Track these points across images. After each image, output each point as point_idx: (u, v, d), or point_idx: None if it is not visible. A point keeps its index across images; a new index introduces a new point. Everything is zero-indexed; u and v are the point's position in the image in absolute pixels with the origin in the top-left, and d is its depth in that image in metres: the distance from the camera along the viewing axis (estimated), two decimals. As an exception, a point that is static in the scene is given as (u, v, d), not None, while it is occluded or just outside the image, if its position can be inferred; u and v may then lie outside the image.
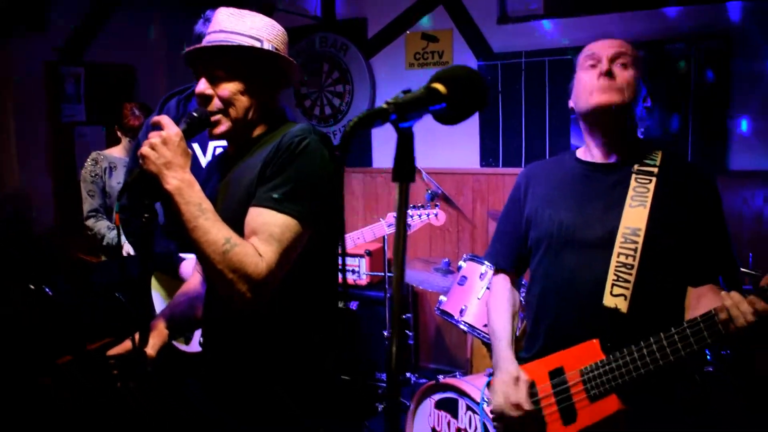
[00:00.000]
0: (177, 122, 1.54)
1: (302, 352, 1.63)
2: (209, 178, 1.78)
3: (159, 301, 2.95)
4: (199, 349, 2.36)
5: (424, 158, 4.57)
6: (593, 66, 1.73)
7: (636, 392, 1.57)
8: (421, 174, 3.49)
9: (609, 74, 1.69)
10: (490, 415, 1.82)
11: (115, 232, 3.63)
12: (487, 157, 4.43)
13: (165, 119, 1.51)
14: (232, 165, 1.69)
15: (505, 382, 1.73)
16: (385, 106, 0.88)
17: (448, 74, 0.97)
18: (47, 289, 3.21)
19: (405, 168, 0.90)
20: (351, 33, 4.84)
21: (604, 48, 1.75)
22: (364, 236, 3.44)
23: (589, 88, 1.72)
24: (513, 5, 4.26)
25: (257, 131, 1.68)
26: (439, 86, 0.95)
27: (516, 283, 2.01)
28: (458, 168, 4.54)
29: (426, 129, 4.22)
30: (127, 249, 3.54)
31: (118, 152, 3.86)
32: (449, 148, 4.52)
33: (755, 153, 3.67)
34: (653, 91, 1.79)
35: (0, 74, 4.24)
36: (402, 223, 0.90)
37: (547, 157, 3.58)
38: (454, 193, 4.50)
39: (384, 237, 3.62)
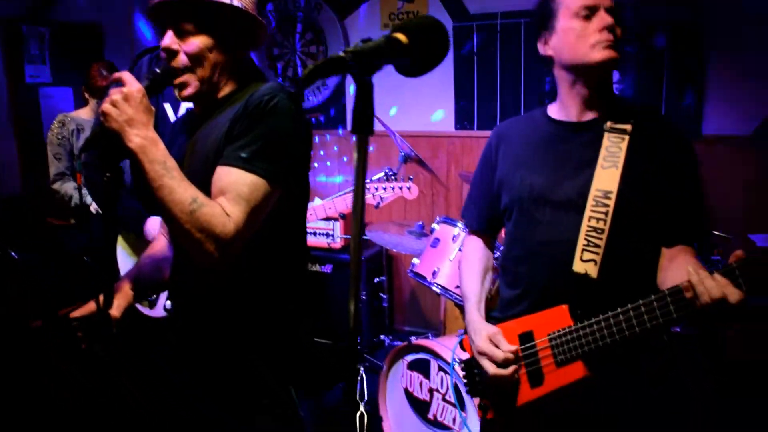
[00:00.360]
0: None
1: (274, 316, 1.63)
2: (175, 138, 1.74)
3: (125, 261, 2.91)
4: (164, 314, 2.35)
5: (398, 121, 4.54)
6: (588, 17, 1.62)
7: (602, 360, 1.56)
8: (396, 138, 3.45)
9: (612, 29, 1.60)
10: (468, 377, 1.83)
11: (83, 191, 3.56)
12: (462, 120, 4.40)
13: (126, 75, 1.46)
14: (199, 124, 1.65)
15: (486, 344, 1.70)
16: (342, 54, 0.84)
17: (410, 24, 0.94)
18: (12, 254, 3.14)
19: (364, 120, 0.88)
20: (324, -8, 4.73)
21: None
22: (336, 206, 3.38)
23: (591, 42, 1.61)
24: (489, -36, 4.19)
25: (225, 90, 1.63)
26: (401, 36, 0.91)
27: (490, 244, 1.99)
28: (433, 131, 4.51)
29: (400, 91, 4.20)
30: (95, 207, 3.48)
31: (85, 114, 3.77)
32: (424, 110, 4.48)
33: (728, 118, 3.69)
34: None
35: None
36: (361, 178, 0.88)
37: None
38: (428, 155, 4.48)
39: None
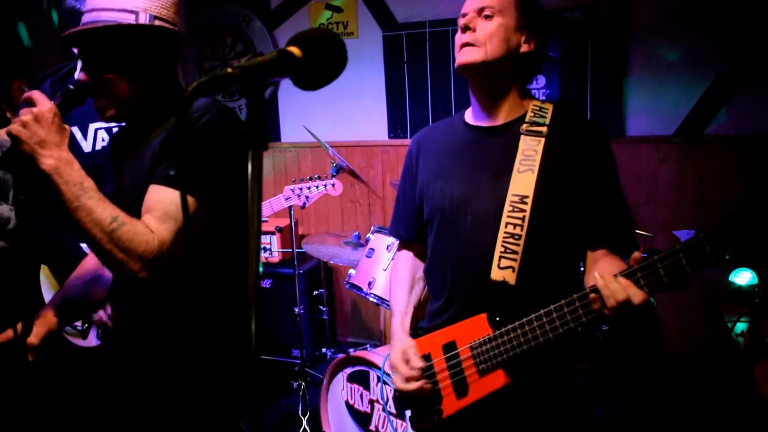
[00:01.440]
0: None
1: (211, 329, 1.60)
2: (107, 159, 1.71)
3: (48, 292, 2.78)
4: (98, 343, 2.26)
5: (333, 131, 4.52)
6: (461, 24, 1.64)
7: (520, 368, 1.56)
8: (327, 148, 3.44)
9: (466, 29, 1.60)
10: (393, 392, 1.82)
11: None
12: (395, 128, 4.42)
13: (36, 94, 1.41)
14: (131, 144, 1.61)
15: (398, 359, 1.72)
16: (230, 70, 0.82)
17: (304, 36, 0.92)
18: None
19: (257, 135, 0.85)
20: (253, 4, 4.68)
21: (471, 1, 1.65)
22: (273, 207, 3.40)
23: (456, 48, 1.64)
24: (415, -26, 4.23)
25: (152, 108, 1.58)
26: (294, 49, 0.89)
27: (421, 254, 1.95)
28: (367, 140, 4.51)
29: (333, 101, 4.19)
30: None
31: (5, 134, 3.62)
32: (358, 120, 4.48)
33: (650, 119, 3.82)
34: (544, 35, 1.67)
35: None
36: (256, 195, 0.85)
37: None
38: (364, 165, 4.47)
39: (290, 210, 3.55)
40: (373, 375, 2.87)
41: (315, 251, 3.51)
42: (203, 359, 1.60)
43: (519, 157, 1.62)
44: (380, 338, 3.83)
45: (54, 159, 1.36)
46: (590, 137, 1.63)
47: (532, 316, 1.50)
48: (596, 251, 1.61)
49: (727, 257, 1.29)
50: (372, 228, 3.22)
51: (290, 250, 3.92)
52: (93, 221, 1.35)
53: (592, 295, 1.40)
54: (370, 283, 3.02)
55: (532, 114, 1.66)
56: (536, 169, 1.58)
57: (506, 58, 1.61)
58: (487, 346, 1.57)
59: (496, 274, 1.57)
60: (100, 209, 1.36)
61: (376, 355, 2.81)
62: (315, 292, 4.24)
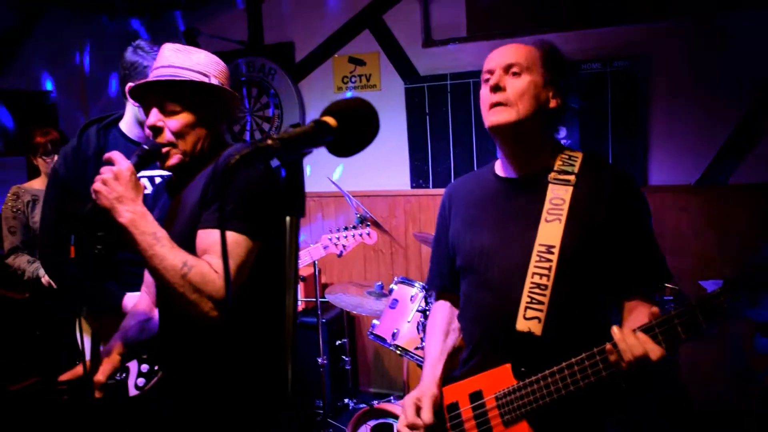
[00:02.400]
0: (101, 151, 1.54)
1: (255, 369, 1.69)
2: (157, 203, 1.85)
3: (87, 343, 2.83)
4: (136, 392, 2.30)
5: (356, 181, 4.58)
6: (487, 81, 1.67)
7: (544, 419, 1.55)
8: (351, 201, 3.49)
9: (497, 88, 1.63)
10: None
11: (36, 265, 3.49)
12: (418, 178, 4.47)
13: (116, 155, 1.56)
14: (176, 188, 1.76)
15: (411, 401, 1.72)
16: (270, 142, 0.86)
17: (338, 107, 0.96)
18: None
19: (295, 202, 0.89)
20: (278, 57, 4.82)
21: (497, 57, 1.68)
22: (301, 259, 3.43)
23: (484, 106, 1.67)
24: (437, 29, 4.33)
25: (204, 159, 1.73)
26: (329, 119, 0.94)
27: (456, 301, 1.94)
28: (390, 190, 4.56)
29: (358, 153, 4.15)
30: (47, 280, 3.41)
31: (39, 184, 3.72)
32: (380, 169, 4.55)
33: (672, 167, 3.83)
34: (568, 88, 1.69)
35: None
36: (294, 258, 0.89)
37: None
38: (386, 215, 4.51)
39: (314, 262, 3.58)
40: (396, 428, 2.84)
41: (338, 301, 3.53)
42: (241, 400, 1.66)
43: (546, 206, 1.63)
44: (403, 389, 3.79)
45: (130, 212, 1.50)
46: (621, 185, 1.64)
47: (555, 368, 1.50)
48: (631, 300, 1.62)
49: (747, 311, 1.30)
50: (395, 279, 3.24)
51: (314, 299, 3.94)
52: (166, 267, 1.47)
53: (609, 347, 1.41)
54: (393, 334, 3.02)
55: (561, 163, 1.68)
56: (563, 218, 1.59)
57: (536, 115, 1.64)
58: (512, 397, 1.58)
59: (521, 325, 1.58)
60: (172, 256, 1.48)
61: (400, 408, 2.79)
62: (338, 342, 4.24)
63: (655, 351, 1.35)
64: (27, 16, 4.55)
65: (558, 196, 1.62)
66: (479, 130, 4.25)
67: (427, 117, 4.40)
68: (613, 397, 1.60)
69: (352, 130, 0.96)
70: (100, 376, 1.71)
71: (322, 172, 4.45)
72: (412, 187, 4.49)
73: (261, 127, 4.97)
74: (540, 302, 1.57)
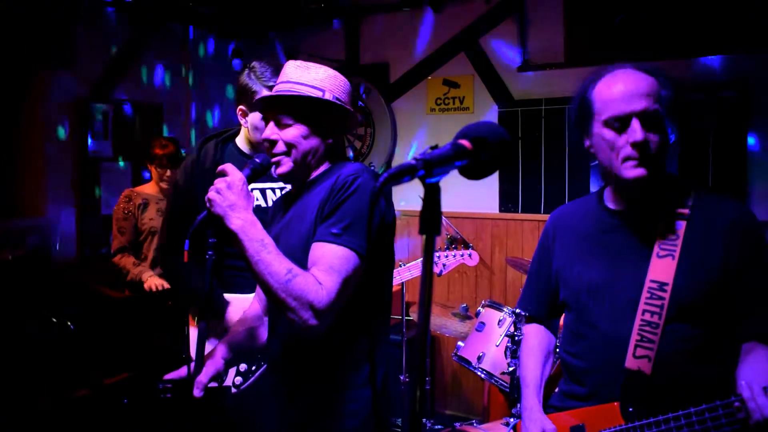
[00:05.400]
0: (217, 163, 1.61)
1: (356, 378, 1.74)
2: (275, 216, 1.94)
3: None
4: (234, 390, 2.39)
5: (444, 201, 4.57)
6: (620, 128, 1.57)
7: None
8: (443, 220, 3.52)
9: (644, 146, 1.53)
10: None
11: (140, 268, 3.69)
12: (507, 202, 4.44)
13: (229, 167, 1.67)
14: (293, 202, 1.84)
15: None
16: (413, 162, 0.90)
17: (474, 131, 0.99)
18: (71, 325, 3.24)
19: (431, 221, 0.92)
20: (373, 77, 4.93)
21: (629, 101, 1.55)
22: (412, 272, 3.50)
23: (622, 156, 1.57)
24: (534, 53, 4.32)
25: (317, 171, 1.81)
26: (465, 143, 0.97)
27: (552, 328, 1.95)
28: (477, 212, 4.55)
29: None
30: (149, 285, 3.60)
31: (150, 189, 3.95)
32: (468, 192, 4.55)
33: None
34: (677, 124, 1.61)
35: (32, 108, 4.37)
36: (429, 275, 0.92)
37: (566, 201, 3.52)
38: (473, 237, 4.50)
39: (402, 282, 3.62)
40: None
41: (429, 323, 3.53)
42: (337, 410, 1.72)
43: (658, 241, 1.58)
44: (482, 414, 3.76)
45: (241, 220, 1.58)
46: (739, 222, 1.56)
47: (670, 415, 1.45)
48: (748, 342, 1.55)
49: None
50: (484, 302, 3.23)
51: (399, 317, 3.97)
52: (270, 273, 1.55)
53: (737, 404, 1.35)
54: (479, 358, 3.01)
55: (674, 195, 1.63)
56: (677, 254, 1.54)
57: (665, 159, 1.59)
58: None
59: (630, 363, 1.54)
60: (277, 263, 1.55)
61: (483, 432, 2.77)
62: (418, 361, 4.23)
63: None
64: (142, 32, 4.87)
65: (671, 231, 1.58)
66: (573, 156, 4.20)
67: (520, 141, 4.38)
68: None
69: (486, 155, 0.98)
70: (203, 377, 1.77)
71: (413, 190, 4.50)
72: (501, 210, 4.47)
73: (353, 144, 5.08)
74: (650, 341, 1.53)
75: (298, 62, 1.80)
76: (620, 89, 1.57)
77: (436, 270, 3.41)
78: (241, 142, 2.48)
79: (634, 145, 1.54)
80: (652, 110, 1.54)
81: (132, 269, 3.69)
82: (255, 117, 2.33)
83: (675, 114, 1.60)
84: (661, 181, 1.63)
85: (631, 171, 1.56)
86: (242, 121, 2.40)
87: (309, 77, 1.75)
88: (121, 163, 4.77)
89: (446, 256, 3.41)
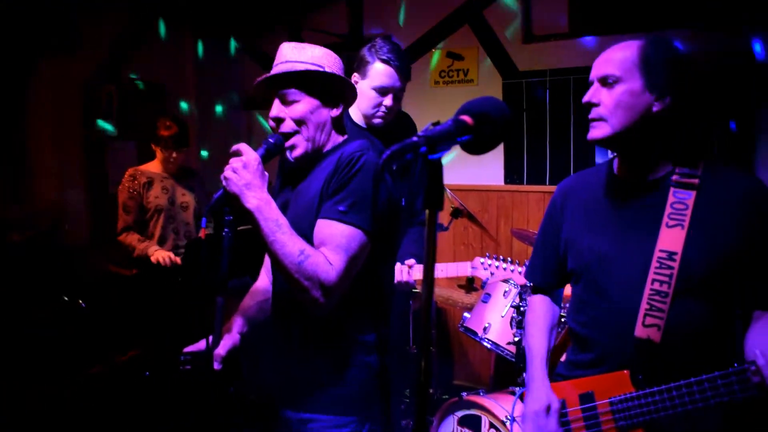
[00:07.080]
0: None
1: (355, 352, 1.77)
2: (282, 189, 1.96)
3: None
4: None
5: (448, 174, 4.60)
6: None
7: (662, 430, 1.53)
8: (447, 192, 3.52)
9: (590, 105, 1.62)
10: None
11: (145, 243, 3.73)
12: (512, 174, 4.46)
13: (244, 147, 1.68)
14: (300, 177, 1.85)
15: (536, 412, 1.72)
16: (415, 139, 0.92)
17: (475, 107, 1.01)
18: (82, 303, 3.29)
19: (434, 196, 0.95)
20: (381, 51, 4.90)
21: (594, 67, 1.65)
22: (447, 270, 3.40)
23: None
24: (538, 25, 4.30)
25: (327, 147, 1.83)
26: (467, 118, 0.99)
27: (556, 299, 1.97)
28: (482, 184, 4.57)
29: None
30: (156, 257, 3.63)
31: (154, 167, 3.96)
32: (473, 164, 4.56)
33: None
34: (677, 87, 1.56)
35: (39, 90, 4.39)
36: (432, 248, 0.95)
37: (572, 172, 3.52)
38: (478, 209, 4.53)
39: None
40: (485, 420, 2.87)
41: (433, 297, 3.56)
42: (340, 380, 1.75)
43: (667, 210, 1.58)
44: (489, 384, 3.82)
45: (257, 199, 1.61)
46: (750, 192, 1.56)
47: (682, 382, 1.48)
48: (756, 311, 1.58)
49: None
50: (489, 273, 3.24)
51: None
52: (285, 253, 1.59)
53: (753, 368, 1.37)
54: (485, 329, 3.05)
55: (684, 166, 1.62)
56: (686, 223, 1.55)
57: (637, 123, 1.58)
58: (630, 404, 1.57)
59: (640, 332, 1.56)
60: (291, 243, 1.60)
61: (490, 401, 2.82)
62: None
63: None
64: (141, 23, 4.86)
65: (680, 200, 1.57)
66: (578, 127, 4.19)
67: (524, 113, 4.37)
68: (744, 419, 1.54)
69: (488, 130, 1.00)
70: (221, 350, 1.84)
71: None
72: (506, 182, 4.48)
73: (357, 118, 5.07)
74: (660, 309, 1.54)
75: (294, 43, 1.82)
76: (596, 60, 1.66)
77: (483, 277, 3.23)
78: (353, 112, 2.62)
79: (585, 105, 1.64)
80: (610, 74, 1.59)
81: (138, 245, 3.73)
82: (363, 85, 2.47)
83: (663, 77, 1.56)
84: (661, 154, 1.64)
85: (589, 132, 1.64)
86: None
87: (306, 56, 1.77)
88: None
89: (497, 267, 3.15)
